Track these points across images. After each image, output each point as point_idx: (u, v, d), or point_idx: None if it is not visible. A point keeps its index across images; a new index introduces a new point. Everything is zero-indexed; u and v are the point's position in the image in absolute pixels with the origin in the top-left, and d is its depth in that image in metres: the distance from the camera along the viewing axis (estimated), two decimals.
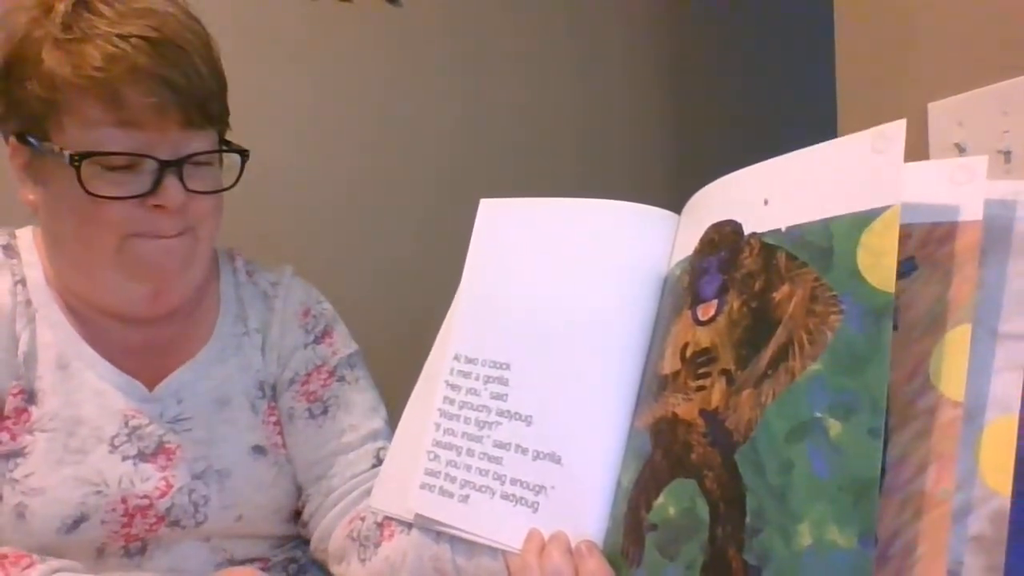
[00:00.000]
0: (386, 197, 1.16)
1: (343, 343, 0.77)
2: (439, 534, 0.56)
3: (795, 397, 0.37)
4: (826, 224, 0.39)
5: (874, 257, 0.36)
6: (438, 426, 0.57)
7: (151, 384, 0.70)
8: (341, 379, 0.74)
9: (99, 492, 0.64)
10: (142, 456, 0.67)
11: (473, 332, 0.58)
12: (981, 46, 0.62)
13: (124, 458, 0.66)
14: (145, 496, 0.66)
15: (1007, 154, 0.58)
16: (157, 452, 0.68)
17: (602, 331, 0.52)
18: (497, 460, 0.53)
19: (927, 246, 0.37)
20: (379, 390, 0.77)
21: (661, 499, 0.43)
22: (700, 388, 0.43)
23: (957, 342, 0.35)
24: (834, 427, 0.35)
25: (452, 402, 0.57)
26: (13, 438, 0.64)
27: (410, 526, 0.59)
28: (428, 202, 1.20)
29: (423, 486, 0.56)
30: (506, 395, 0.54)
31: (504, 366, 0.55)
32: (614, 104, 1.33)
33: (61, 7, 0.61)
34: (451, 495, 0.54)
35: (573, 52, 1.31)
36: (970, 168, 0.37)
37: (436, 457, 0.56)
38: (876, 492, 0.32)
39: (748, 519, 0.36)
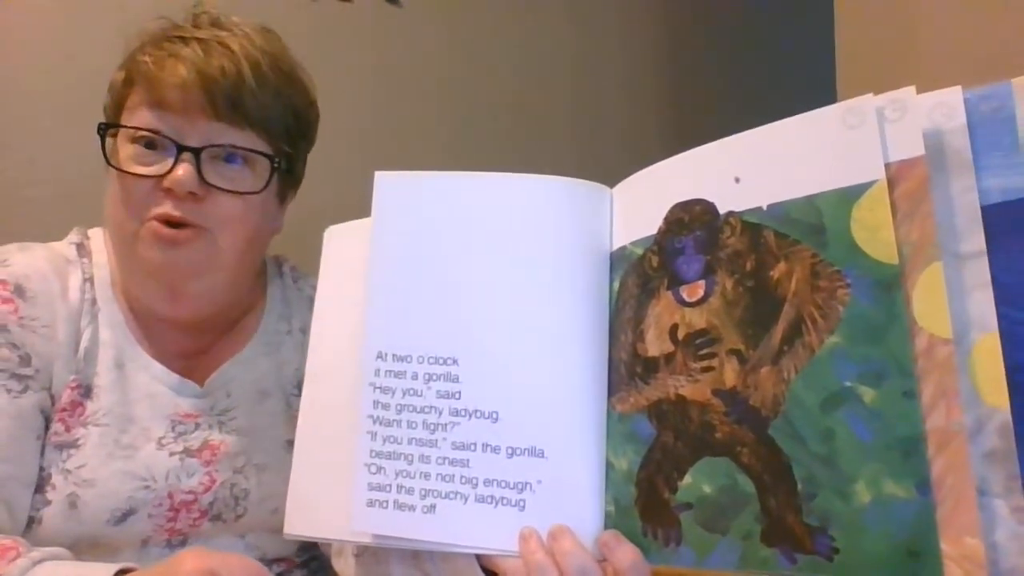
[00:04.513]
0: None
1: None
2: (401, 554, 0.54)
3: (820, 370, 0.40)
4: (810, 201, 0.41)
5: (869, 231, 0.39)
6: (373, 435, 0.52)
7: (201, 380, 0.74)
8: None
9: (147, 487, 0.68)
10: (188, 453, 0.71)
11: (398, 326, 0.53)
12: (981, 46, 0.66)
13: (171, 454, 0.70)
14: (190, 491, 0.70)
15: None
16: (202, 449, 0.72)
17: (555, 314, 0.52)
18: (462, 463, 0.51)
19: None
20: None
21: (689, 479, 0.45)
22: (707, 369, 0.45)
23: (932, 281, 0.37)
24: (867, 394, 0.38)
25: (387, 407, 0.52)
26: (68, 429, 0.68)
27: (365, 548, 0.57)
28: None
29: (371, 503, 0.51)
30: (458, 392, 0.51)
31: (450, 361, 0.52)
32: (613, 104, 1.37)
33: (159, 24, 0.71)
34: (412, 508, 0.51)
35: (572, 54, 1.34)
36: (900, 102, 0.39)
37: (380, 470, 0.52)
38: (924, 446, 0.36)
39: (800, 486, 0.40)
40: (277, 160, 0.71)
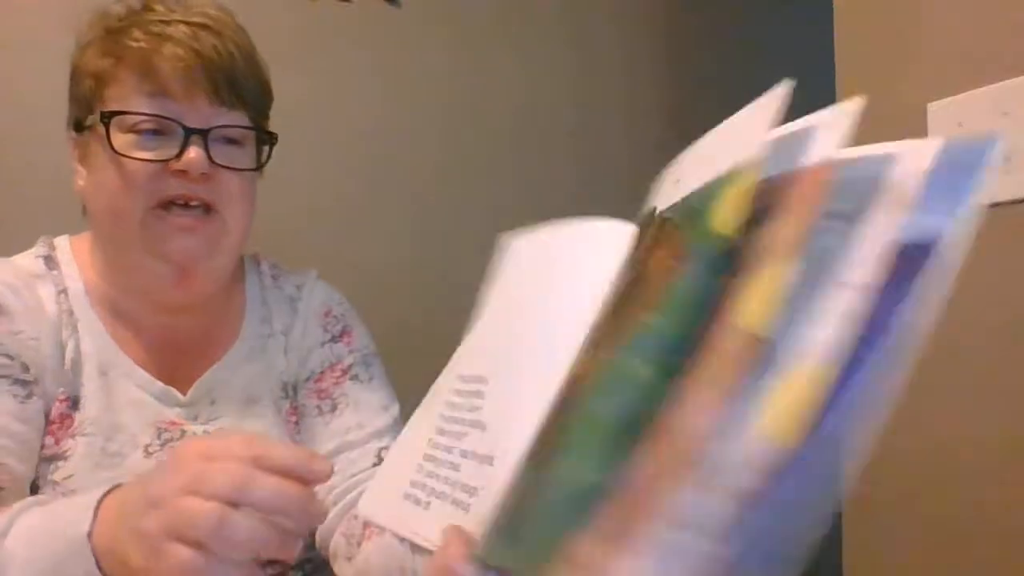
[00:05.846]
0: (384, 198, 1.20)
1: (361, 343, 0.80)
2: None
3: (627, 350, 0.37)
4: (703, 187, 0.39)
5: (726, 209, 0.36)
6: (430, 440, 0.57)
7: (184, 388, 0.73)
8: (355, 377, 0.77)
9: None
10: None
11: (475, 353, 0.59)
12: (981, 46, 0.63)
13: (158, 462, 0.69)
14: None
15: (1006, 155, 0.56)
16: None
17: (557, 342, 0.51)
18: (457, 467, 0.53)
19: (779, 191, 0.35)
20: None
21: None
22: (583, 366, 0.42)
23: (773, 276, 0.31)
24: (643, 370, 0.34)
25: (445, 418, 0.57)
26: (57, 442, 0.67)
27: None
28: (426, 202, 1.22)
29: (406, 496, 0.56)
30: (480, 407, 0.54)
31: (482, 380, 0.55)
32: (612, 106, 1.33)
33: (123, 8, 0.70)
34: (418, 502, 0.54)
35: (572, 54, 1.33)
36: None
37: (420, 468, 0.56)
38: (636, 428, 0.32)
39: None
40: (272, 137, 0.73)
